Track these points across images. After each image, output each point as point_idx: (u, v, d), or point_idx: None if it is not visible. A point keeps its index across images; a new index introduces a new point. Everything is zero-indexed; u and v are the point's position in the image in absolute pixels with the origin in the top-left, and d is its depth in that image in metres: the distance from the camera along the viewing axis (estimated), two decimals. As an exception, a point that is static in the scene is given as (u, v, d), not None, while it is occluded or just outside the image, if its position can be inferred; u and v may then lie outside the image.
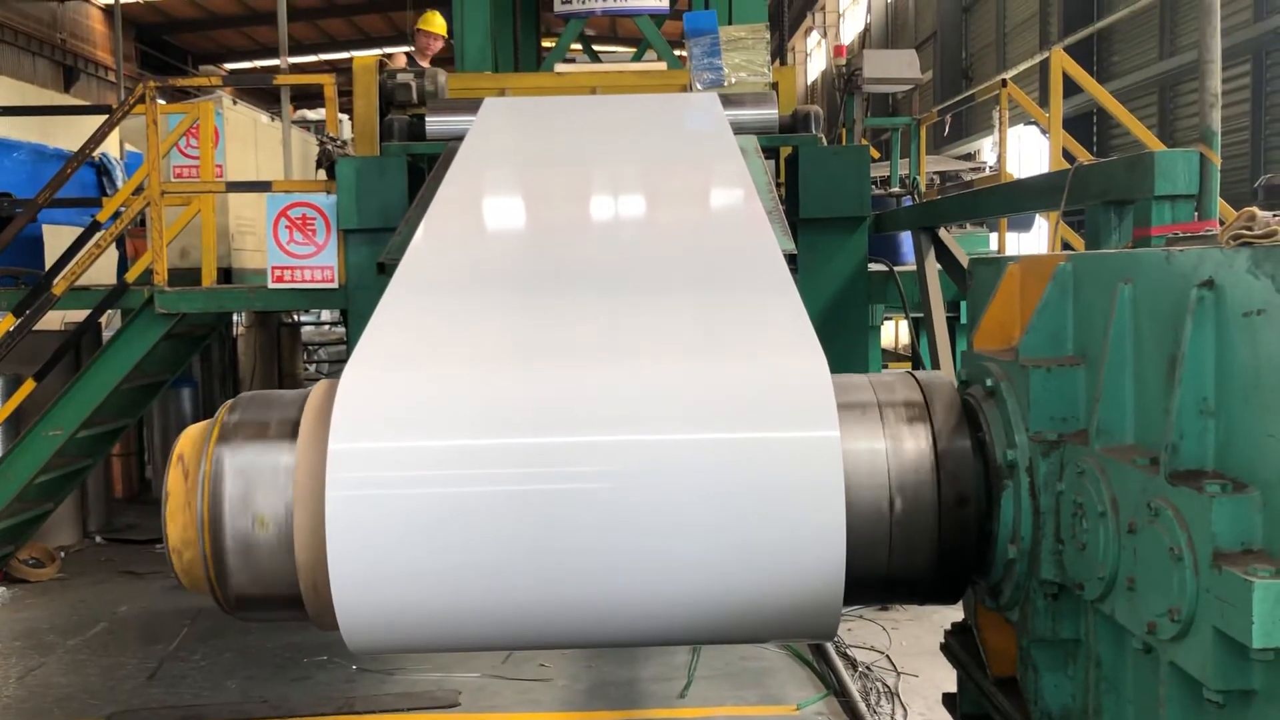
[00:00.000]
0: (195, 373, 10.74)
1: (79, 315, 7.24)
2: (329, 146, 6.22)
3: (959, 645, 3.02)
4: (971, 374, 2.73)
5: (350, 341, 6.58)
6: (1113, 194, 3.45)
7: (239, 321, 11.91)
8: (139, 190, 6.51)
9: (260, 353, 11.88)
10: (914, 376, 2.66)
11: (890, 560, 2.46)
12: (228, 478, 2.44)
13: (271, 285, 6.31)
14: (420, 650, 2.61)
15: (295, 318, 13.47)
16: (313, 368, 15.91)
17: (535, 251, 3.56)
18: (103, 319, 7.93)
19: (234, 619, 2.62)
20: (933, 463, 2.46)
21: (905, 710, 5.30)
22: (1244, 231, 1.75)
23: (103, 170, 9.18)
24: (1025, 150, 16.75)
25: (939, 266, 5.78)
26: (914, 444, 2.48)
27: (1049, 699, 2.41)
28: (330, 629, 2.43)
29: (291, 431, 2.49)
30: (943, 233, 5.68)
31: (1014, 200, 4.70)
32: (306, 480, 2.38)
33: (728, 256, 3.34)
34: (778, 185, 5.97)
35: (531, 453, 2.34)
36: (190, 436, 2.58)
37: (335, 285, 6.28)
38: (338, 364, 14.86)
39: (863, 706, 5.17)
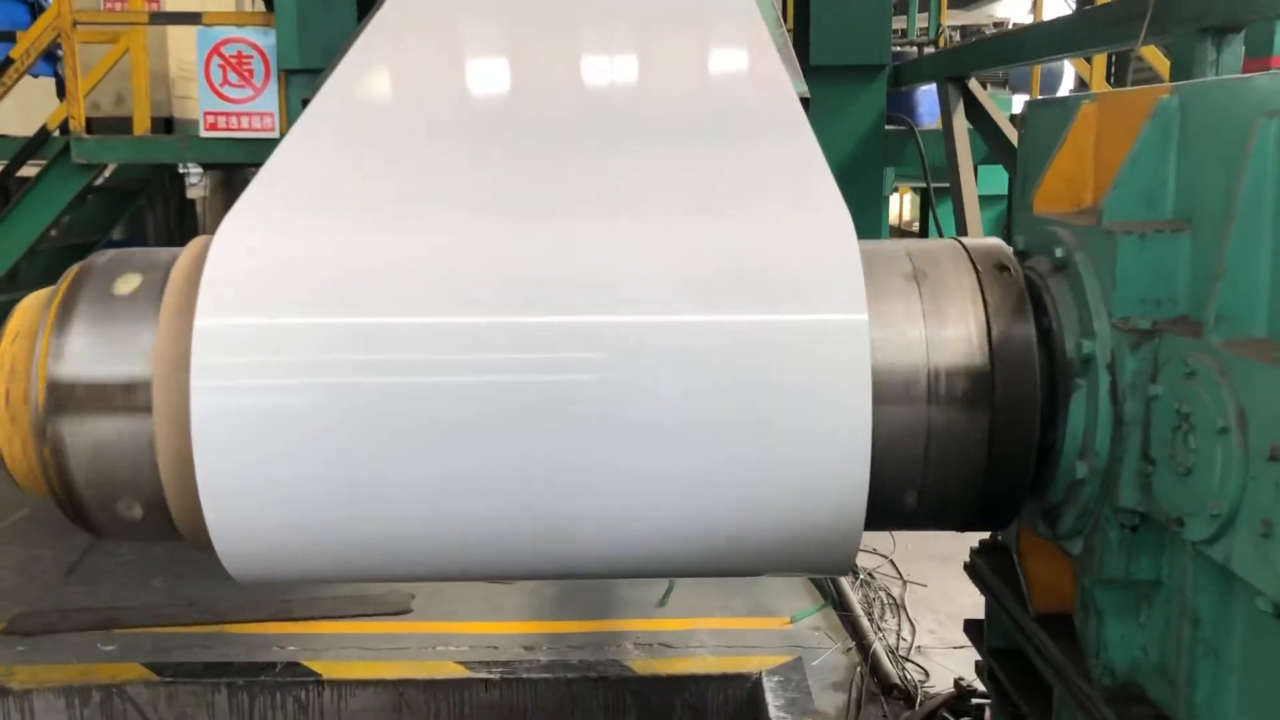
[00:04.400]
0: (149, 239, 10.04)
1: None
2: (269, -27, 5.48)
3: (987, 567, 2.60)
4: (1034, 243, 2.20)
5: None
6: (1213, 17, 2.79)
7: (205, 183, 11.14)
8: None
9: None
10: (961, 244, 2.11)
11: (926, 478, 2.00)
12: (70, 363, 1.87)
13: (204, 133, 5.75)
14: (321, 580, 2.14)
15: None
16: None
17: (498, 86, 3.00)
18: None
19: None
20: (985, 356, 1.94)
21: (913, 626, 4.78)
22: None
23: (37, 8, 8.41)
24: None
25: (968, 124, 5.10)
26: (961, 331, 1.97)
27: (1114, 651, 2.01)
28: (208, 549, 1.91)
29: (156, 301, 1.91)
30: (973, 84, 5.04)
31: (1070, 37, 3.83)
32: (168, 368, 1.83)
33: (733, 96, 2.79)
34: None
35: (467, 335, 1.82)
36: (28, 307, 2.01)
37: (276, 134, 5.71)
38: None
39: (865, 621, 4.65)
